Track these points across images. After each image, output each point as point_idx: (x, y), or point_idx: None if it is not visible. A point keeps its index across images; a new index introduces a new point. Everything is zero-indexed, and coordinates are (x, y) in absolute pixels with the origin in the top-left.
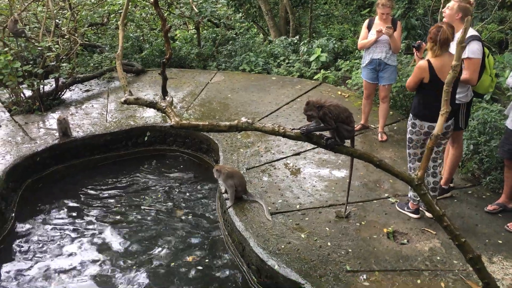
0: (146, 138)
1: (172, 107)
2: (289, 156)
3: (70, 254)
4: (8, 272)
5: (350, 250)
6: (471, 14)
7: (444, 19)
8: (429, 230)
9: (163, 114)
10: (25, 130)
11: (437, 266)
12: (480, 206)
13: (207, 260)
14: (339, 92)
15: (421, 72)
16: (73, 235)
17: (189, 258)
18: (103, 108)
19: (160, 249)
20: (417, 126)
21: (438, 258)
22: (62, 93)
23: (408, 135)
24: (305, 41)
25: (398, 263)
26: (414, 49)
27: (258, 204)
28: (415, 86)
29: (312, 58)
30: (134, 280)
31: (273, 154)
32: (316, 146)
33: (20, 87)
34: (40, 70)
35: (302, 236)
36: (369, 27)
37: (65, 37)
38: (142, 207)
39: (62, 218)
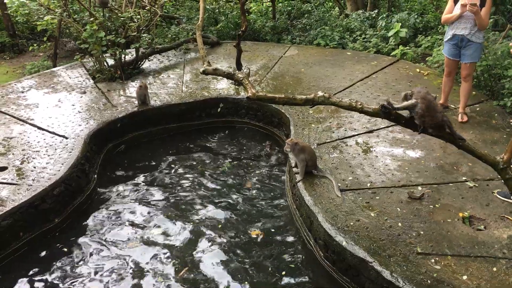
0: (219, 110)
1: (249, 79)
2: (362, 133)
3: (143, 214)
4: (91, 225)
5: (421, 232)
6: None
7: None
8: (509, 217)
9: (236, 87)
10: (107, 97)
11: None
12: None
13: (273, 231)
14: (418, 70)
15: None
16: (148, 196)
17: (253, 233)
18: (179, 79)
19: (228, 219)
20: None
21: None
22: (142, 63)
23: None
24: (384, 15)
25: (473, 249)
26: None
27: (328, 180)
28: None
29: (390, 33)
30: (196, 249)
31: (345, 131)
32: (390, 124)
33: (104, 55)
34: (123, 40)
35: (372, 214)
36: (455, 0)
37: (146, 8)
38: (214, 176)
39: (138, 180)
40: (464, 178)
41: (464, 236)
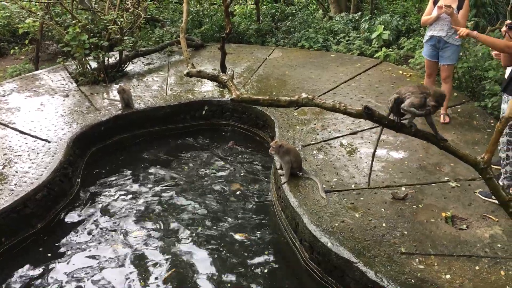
0: (204, 112)
1: (233, 81)
2: (346, 135)
3: (127, 217)
4: (74, 230)
5: (405, 232)
6: None
7: None
8: (491, 216)
9: (221, 89)
10: (90, 100)
11: (497, 254)
12: None
13: (258, 233)
14: (400, 72)
15: None
16: (131, 199)
17: (237, 236)
18: (163, 82)
19: (213, 221)
20: None
21: (499, 245)
22: (125, 65)
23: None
24: (367, 18)
25: (455, 248)
26: (506, 29)
27: (313, 182)
28: None
29: (373, 36)
30: (181, 251)
31: (330, 132)
32: (373, 126)
33: (87, 58)
34: (106, 42)
35: (357, 215)
36: (435, 2)
37: (129, 10)
38: (200, 179)
39: (122, 184)
40: (446, 178)
41: (447, 236)
